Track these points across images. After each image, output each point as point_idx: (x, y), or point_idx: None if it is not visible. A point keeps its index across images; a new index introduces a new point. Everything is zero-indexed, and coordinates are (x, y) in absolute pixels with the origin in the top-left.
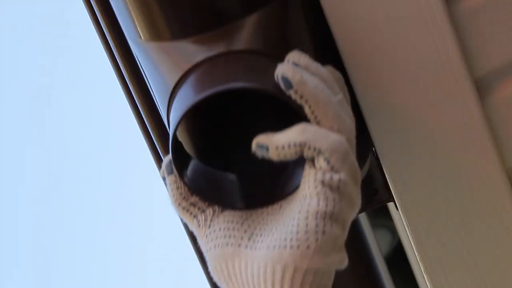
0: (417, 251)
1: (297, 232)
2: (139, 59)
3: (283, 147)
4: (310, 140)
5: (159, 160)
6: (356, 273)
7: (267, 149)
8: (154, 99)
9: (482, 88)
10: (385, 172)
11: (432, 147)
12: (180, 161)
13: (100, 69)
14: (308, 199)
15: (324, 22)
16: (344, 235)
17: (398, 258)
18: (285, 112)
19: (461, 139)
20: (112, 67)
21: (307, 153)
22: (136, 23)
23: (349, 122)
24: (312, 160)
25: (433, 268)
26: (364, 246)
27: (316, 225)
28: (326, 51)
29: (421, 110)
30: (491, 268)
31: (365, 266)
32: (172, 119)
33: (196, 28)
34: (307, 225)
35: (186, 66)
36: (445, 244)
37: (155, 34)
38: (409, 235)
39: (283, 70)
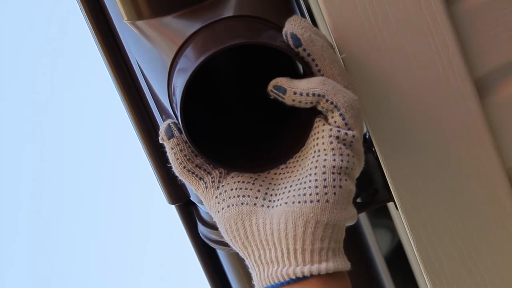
0: (417, 251)
1: (316, 187)
2: (129, 43)
3: (301, 94)
4: (329, 93)
5: (152, 156)
6: (356, 272)
7: (284, 92)
8: (145, 82)
9: (482, 88)
10: (385, 172)
11: (432, 147)
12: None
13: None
14: (322, 154)
15: None
16: (354, 190)
17: (398, 258)
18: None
19: (461, 139)
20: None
21: (322, 105)
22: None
23: (353, 81)
24: (324, 114)
25: (433, 268)
26: (364, 246)
27: (334, 180)
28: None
29: (421, 110)
30: (491, 268)
31: (365, 266)
32: (180, 81)
33: (183, 2)
34: (325, 179)
35: (179, 40)
36: (445, 244)
37: (148, 12)
38: (409, 235)
39: (292, 28)
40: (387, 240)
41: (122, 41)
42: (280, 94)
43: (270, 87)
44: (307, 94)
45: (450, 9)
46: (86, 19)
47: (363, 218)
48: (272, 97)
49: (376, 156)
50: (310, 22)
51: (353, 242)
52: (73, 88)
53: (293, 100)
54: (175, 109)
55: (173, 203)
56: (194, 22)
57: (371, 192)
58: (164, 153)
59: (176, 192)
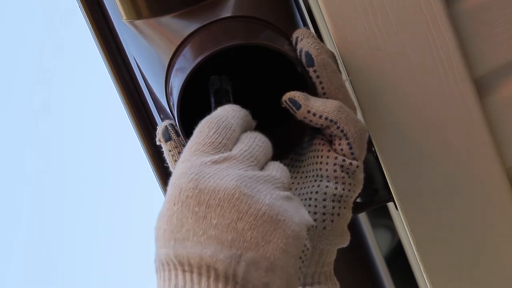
0: (417, 251)
1: (315, 213)
2: (128, 42)
3: (314, 114)
4: (341, 121)
5: (153, 160)
6: (356, 273)
7: (299, 107)
8: (144, 82)
9: (482, 88)
10: (385, 172)
11: (432, 147)
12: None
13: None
14: (325, 180)
15: None
16: (350, 217)
17: (398, 258)
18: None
19: (461, 139)
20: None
21: (332, 131)
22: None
23: (355, 105)
24: (325, 136)
25: (433, 268)
26: (364, 246)
27: (333, 207)
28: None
29: (421, 110)
30: (491, 268)
31: (365, 266)
32: (177, 81)
33: (181, 2)
34: (324, 207)
35: (177, 40)
36: (445, 244)
37: (147, 11)
38: (409, 235)
39: (308, 47)
40: (387, 240)
41: (121, 40)
42: (294, 108)
43: (285, 97)
44: (320, 117)
45: (450, 9)
46: (85, 18)
47: (363, 218)
48: (283, 106)
49: (376, 156)
50: (315, 34)
51: (353, 242)
52: (71, 86)
53: (305, 118)
54: (173, 109)
55: None
56: (193, 22)
57: (371, 192)
58: (162, 151)
59: None
